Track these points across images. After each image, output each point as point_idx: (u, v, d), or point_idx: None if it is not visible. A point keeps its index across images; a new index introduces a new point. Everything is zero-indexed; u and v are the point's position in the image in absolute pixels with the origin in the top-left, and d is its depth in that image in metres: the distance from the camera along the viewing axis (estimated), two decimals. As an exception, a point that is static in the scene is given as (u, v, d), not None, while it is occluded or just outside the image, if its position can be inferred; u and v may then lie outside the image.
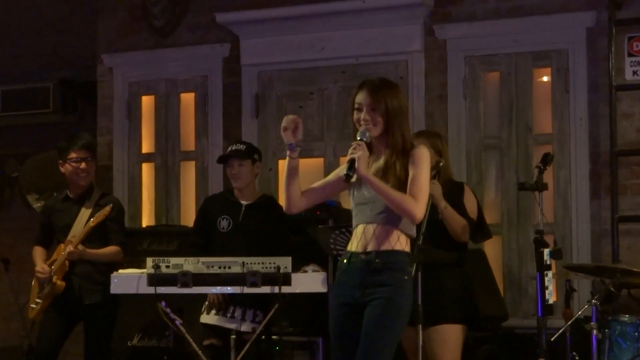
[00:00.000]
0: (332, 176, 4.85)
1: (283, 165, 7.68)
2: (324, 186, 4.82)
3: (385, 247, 4.62)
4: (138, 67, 8.37)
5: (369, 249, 4.64)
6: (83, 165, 6.30)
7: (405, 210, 4.53)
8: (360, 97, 4.68)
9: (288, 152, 4.64)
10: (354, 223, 4.75)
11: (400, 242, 4.64)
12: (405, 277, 4.62)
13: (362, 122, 4.65)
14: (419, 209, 4.55)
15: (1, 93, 8.96)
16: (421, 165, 4.60)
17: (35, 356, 6.41)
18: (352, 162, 4.53)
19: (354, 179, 4.57)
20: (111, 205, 6.23)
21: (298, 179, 4.70)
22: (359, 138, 4.60)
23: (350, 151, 4.55)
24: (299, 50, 7.79)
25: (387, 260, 4.61)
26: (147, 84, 8.37)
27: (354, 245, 4.70)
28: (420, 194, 4.55)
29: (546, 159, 5.68)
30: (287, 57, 7.85)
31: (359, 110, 4.67)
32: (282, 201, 6.95)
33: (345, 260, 4.73)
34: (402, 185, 4.57)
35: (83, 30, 8.86)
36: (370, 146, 4.65)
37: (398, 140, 4.64)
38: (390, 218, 4.62)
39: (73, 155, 6.31)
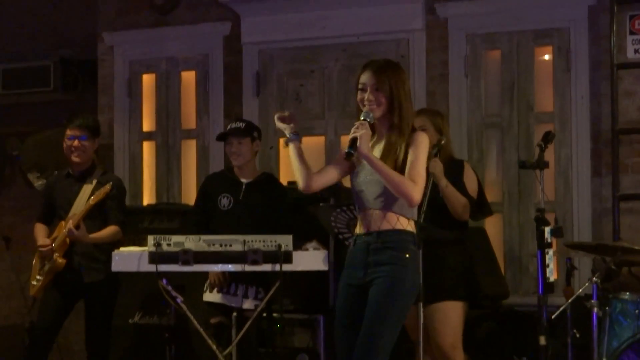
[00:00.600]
0: (340, 157, 4.83)
1: (283, 143, 7.75)
2: (334, 167, 4.83)
3: (385, 227, 4.66)
4: (139, 45, 8.34)
5: (370, 230, 4.69)
6: (76, 143, 6.34)
7: (404, 193, 4.55)
8: (365, 78, 4.69)
9: (292, 144, 4.70)
10: (356, 208, 4.79)
11: (400, 222, 4.67)
12: (407, 255, 4.64)
13: (365, 102, 4.66)
14: (417, 193, 4.58)
15: (2, 71, 8.92)
16: (420, 150, 4.63)
17: (35, 333, 6.42)
18: (353, 141, 4.54)
19: (355, 158, 4.59)
20: (111, 183, 6.24)
21: (306, 160, 4.74)
22: (362, 118, 4.61)
23: (352, 130, 4.57)
24: (300, 28, 7.76)
25: (388, 239, 4.65)
26: (147, 62, 8.35)
27: (358, 228, 4.77)
28: (418, 178, 4.59)
29: (547, 137, 5.68)
30: (288, 36, 7.81)
31: (363, 90, 4.69)
32: (284, 180, 7.02)
33: (352, 243, 4.80)
34: (400, 167, 4.60)
35: (84, 8, 8.81)
36: (372, 127, 4.66)
37: (400, 122, 4.65)
38: (388, 202, 4.65)
39: (68, 132, 6.39)
